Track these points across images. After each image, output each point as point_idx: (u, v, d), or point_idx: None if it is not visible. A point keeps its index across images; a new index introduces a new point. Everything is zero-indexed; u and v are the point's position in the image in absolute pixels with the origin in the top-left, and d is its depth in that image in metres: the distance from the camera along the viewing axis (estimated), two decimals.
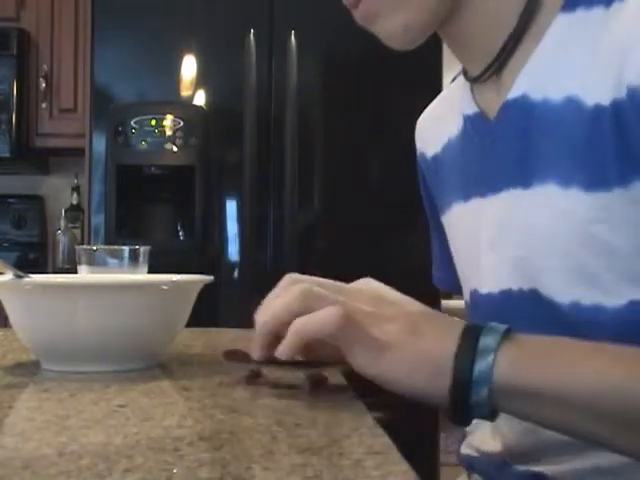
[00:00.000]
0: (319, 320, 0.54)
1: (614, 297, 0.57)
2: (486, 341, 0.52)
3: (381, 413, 0.64)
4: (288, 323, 0.56)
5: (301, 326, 0.55)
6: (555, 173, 0.59)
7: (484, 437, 0.73)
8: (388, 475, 0.39)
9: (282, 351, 0.56)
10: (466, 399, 0.52)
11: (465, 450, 0.77)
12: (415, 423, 1.84)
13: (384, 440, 0.45)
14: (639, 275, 0.56)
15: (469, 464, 0.76)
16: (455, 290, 0.83)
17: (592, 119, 0.57)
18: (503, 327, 0.53)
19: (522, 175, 0.62)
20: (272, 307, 0.59)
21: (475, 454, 0.75)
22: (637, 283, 0.56)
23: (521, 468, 0.67)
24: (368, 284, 0.63)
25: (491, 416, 0.54)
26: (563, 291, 0.60)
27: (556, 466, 0.64)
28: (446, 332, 0.54)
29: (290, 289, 0.58)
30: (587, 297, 0.58)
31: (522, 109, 0.63)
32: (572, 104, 0.58)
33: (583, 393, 0.51)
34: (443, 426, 2.15)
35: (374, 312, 0.56)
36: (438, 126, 0.79)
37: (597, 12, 0.58)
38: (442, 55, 2.13)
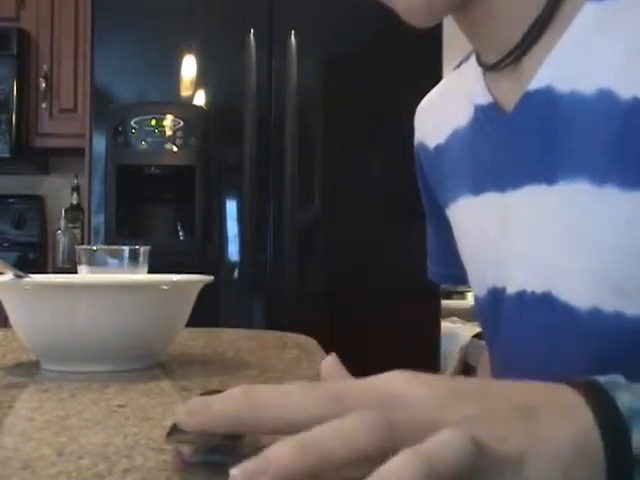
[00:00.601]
0: (453, 450, 0.32)
1: (636, 306, 0.53)
2: (625, 398, 0.38)
3: None
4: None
5: (428, 455, 0.32)
6: (586, 170, 0.56)
7: None
8: None
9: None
10: (629, 477, 0.37)
11: None
12: None
13: None
14: None
15: None
16: (452, 282, 0.82)
17: (629, 112, 0.53)
18: (621, 379, 0.40)
19: (546, 171, 0.59)
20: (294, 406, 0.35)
21: None
22: None
23: None
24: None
25: None
26: (583, 296, 0.56)
27: None
28: (565, 399, 0.39)
29: (343, 411, 0.34)
30: (609, 303, 0.55)
31: (546, 101, 0.59)
32: (605, 97, 0.55)
33: None
34: None
35: (480, 416, 0.36)
36: (442, 115, 0.76)
37: (628, 1, 0.55)
38: (442, 55, 2.13)
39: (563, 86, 0.58)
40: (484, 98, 0.67)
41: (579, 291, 0.57)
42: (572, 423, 0.37)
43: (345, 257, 2.14)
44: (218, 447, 0.37)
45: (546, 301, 0.59)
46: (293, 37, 2.12)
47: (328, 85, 2.21)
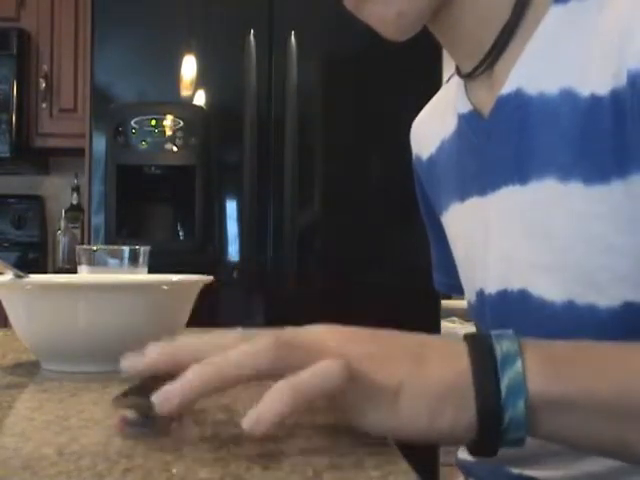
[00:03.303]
0: (318, 376, 0.41)
1: (608, 297, 0.55)
2: (504, 347, 0.44)
3: None
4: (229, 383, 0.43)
5: (296, 383, 0.41)
6: (553, 168, 0.58)
7: None
8: (388, 475, 0.39)
9: (263, 420, 0.40)
10: (498, 420, 0.43)
11: (462, 455, 0.77)
12: None
13: (384, 440, 0.45)
14: (635, 275, 0.54)
15: (465, 468, 0.76)
16: (457, 292, 0.83)
17: (588, 110, 0.55)
18: (510, 332, 0.46)
19: (519, 171, 0.61)
20: (225, 356, 0.43)
21: (471, 458, 0.74)
22: (632, 283, 0.54)
23: (515, 471, 0.67)
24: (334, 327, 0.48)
25: (522, 440, 0.44)
26: (556, 290, 0.58)
27: (550, 471, 0.64)
28: (452, 349, 0.45)
29: (252, 340, 0.43)
30: (582, 296, 0.56)
31: (517, 104, 0.61)
32: (567, 96, 0.57)
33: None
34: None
35: (373, 354, 0.45)
36: (433, 128, 0.78)
37: (591, 3, 0.57)
38: (442, 55, 2.13)
39: (531, 88, 0.60)
40: (465, 107, 0.69)
41: (552, 286, 0.58)
42: (450, 368, 0.44)
43: (345, 257, 2.14)
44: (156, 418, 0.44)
45: (523, 298, 0.61)
46: (293, 37, 2.12)
47: (328, 85, 2.21)
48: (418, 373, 0.44)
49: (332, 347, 0.44)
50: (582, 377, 0.44)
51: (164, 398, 0.42)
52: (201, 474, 0.38)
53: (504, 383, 0.43)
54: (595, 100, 0.54)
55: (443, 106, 0.76)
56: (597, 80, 0.55)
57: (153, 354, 0.45)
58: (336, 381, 0.41)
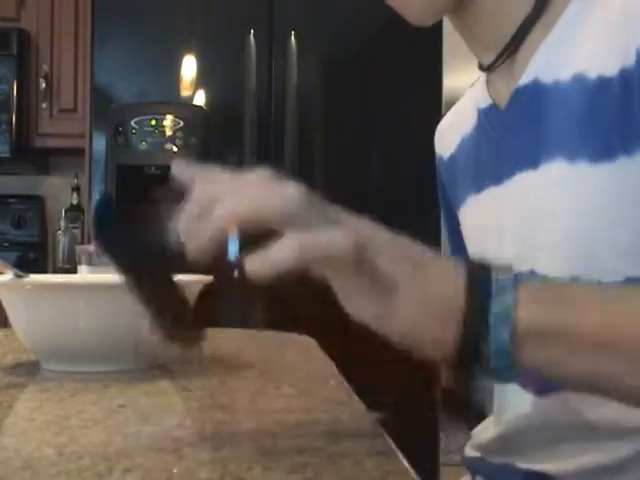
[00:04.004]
0: (327, 240, 0.42)
1: (611, 274, 0.57)
2: (500, 276, 0.44)
3: (381, 413, 0.64)
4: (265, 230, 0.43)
5: (306, 239, 0.41)
6: (563, 149, 0.59)
7: (489, 436, 0.73)
8: (388, 475, 0.39)
9: (267, 263, 0.42)
10: (480, 345, 0.43)
11: (469, 452, 0.77)
12: (415, 423, 1.84)
13: (384, 440, 0.45)
14: (635, 248, 0.56)
15: (473, 467, 0.76)
16: None
17: (595, 91, 0.57)
18: (510, 265, 0.46)
19: (531, 157, 0.63)
20: (244, 196, 0.44)
21: (479, 455, 0.75)
22: (635, 259, 0.56)
23: (524, 467, 0.67)
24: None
25: (507, 372, 0.45)
26: (561, 267, 0.60)
27: (559, 464, 0.64)
28: (452, 267, 0.46)
29: (272, 185, 0.44)
30: (586, 273, 0.58)
31: (533, 94, 0.63)
32: (579, 80, 0.59)
33: (634, 330, 0.45)
34: (443, 426, 2.15)
35: (383, 244, 0.45)
36: (455, 128, 0.80)
37: None
38: (442, 55, 2.13)
39: (547, 77, 0.62)
40: (485, 101, 0.71)
41: (558, 263, 0.60)
42: (446, 283, 0.44)
43: None
44: None
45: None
46: (293, 37, 2.12)
47: (328, 85, 2.21)
48: (416, 277, 0.44)
49: (351, 223, 0.44)
50: (566, 315, 0.45)
51: (260, 264, 0.42)
52: (201, 474, 0.38)
53: (493, 312, 0.43)
54: (603, 81, 0.56)
55: (466, 107, 0.78)
56: (605, 62, 0.56)
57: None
58: (343, 250, 0.42)
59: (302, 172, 2.13)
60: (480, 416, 0.77)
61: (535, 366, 0.46)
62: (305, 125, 2.15)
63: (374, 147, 2.19)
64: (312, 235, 0.42)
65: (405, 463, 0.41)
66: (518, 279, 0.45)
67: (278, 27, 2.15)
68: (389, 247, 0.45)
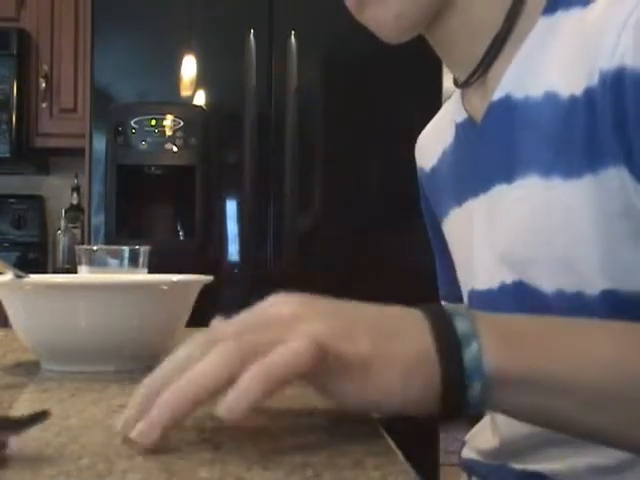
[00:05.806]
0: (288, 358, 0.41)
1: (592, 286, 0.58)
2: (460, 327, 0.45)
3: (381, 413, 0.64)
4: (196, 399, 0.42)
5: (267, 367, 0.41)
6: (537, 166, 0.61)
7: (484, 437, 0.73)
8: (388, 475, 0.39)
9: (238, 407, 0.40)
10: (460, 398, 0.45)
11: (466, 454, 0.77)
12: (415, 423, 1.84)
13: (384, 440, 0.45)
14: (610, 265, 0.57)
15: (469, 468, 0.76)
16: (462, 302, 0.83)
17: (567, 110, 0.58)
18: (462, 308, 0.48)
19: (506, 171, 0.64)
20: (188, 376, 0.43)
21: (475, 457, 0.75)
22: (609, 273, 0.57)
23: (518, 467, 0.67)
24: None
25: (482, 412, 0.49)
26: (547, 280, 0.61)
27: (553, 464, 0.64)
28: (414, 324, 0.46)
29: (209, 350, 0.44)
30: (569, 285, 0.59)
31: (506, 109, 0.64)
32: (550, 98, 0.60)
33: (593, 375, 0.47)
34: (443, 426, 2.15)
35: (337, 329, 0.45)
36: (435, 140, 0.81)
37: (575, 11, 0.60)
38: None
39: (519, 93, 0.63)
40: (461, 115, 0.72)
41: (544, 277, 0.61)
42: (415, 343, 0.45)
43: (345, 257, 2.14)
44: None
45: (519, 288, 0.64)
46: (293, 37, 2.12)
47: (328, 85, 2.21)
48: (386, 346, 0.45)
49: (296, 325, 0.44)
50: (534, 356, 0.47)
51: (144, 434, 0.41)
52: (201, 474, 0.38)
53: (465, 363, 0.45)
54: (573, 100, 0.57)
55: (444, 120, 0.79)
56: (575, 81, 0.57)
57: (132, 409, 0.44)
58: (307, 361, 0.41)
59: (302, 172, 2.13)
60: (480, 416, 0.77)
61: (512, 410, 0.49)
62: (305, 125, 2.15)
63: (374, 147, 2.19)
64: (270, 363, 0.41)
65: (405, 463, 0.41)
66: (477, 322, 0.46)
67: (278, 27, 2.15)
68: (344, 329, 0.45)
